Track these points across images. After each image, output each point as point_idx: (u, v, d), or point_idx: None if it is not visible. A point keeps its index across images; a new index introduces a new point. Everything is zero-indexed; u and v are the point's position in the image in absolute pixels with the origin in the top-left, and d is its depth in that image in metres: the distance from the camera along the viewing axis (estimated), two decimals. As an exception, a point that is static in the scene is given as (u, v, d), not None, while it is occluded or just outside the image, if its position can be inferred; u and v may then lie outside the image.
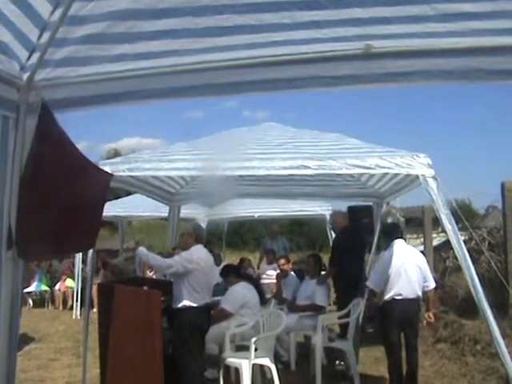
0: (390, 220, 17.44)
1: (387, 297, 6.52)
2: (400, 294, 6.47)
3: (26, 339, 10.68)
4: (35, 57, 3.09)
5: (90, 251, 7.01)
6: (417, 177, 5.68)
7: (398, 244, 6.77)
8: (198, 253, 6.42)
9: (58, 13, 2.77)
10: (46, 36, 2.94)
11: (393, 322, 6.53)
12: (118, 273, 13.91)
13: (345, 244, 8.54)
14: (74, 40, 3.03)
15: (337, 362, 8.34)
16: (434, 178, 5.46)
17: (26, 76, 3.23)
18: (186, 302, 6.23)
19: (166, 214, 10.52)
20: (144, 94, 3.51)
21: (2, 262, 3.23)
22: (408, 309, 6.52)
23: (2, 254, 3.21)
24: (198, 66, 3.28)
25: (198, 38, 3.02)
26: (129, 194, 14.95)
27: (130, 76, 3.39)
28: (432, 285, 6.69)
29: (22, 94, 3.26)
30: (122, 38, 3.04)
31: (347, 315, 7.73)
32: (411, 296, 6.50)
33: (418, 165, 5.60)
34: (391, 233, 7.12)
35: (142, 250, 6.47)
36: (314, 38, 3.02)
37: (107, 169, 5.44)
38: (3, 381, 3.28)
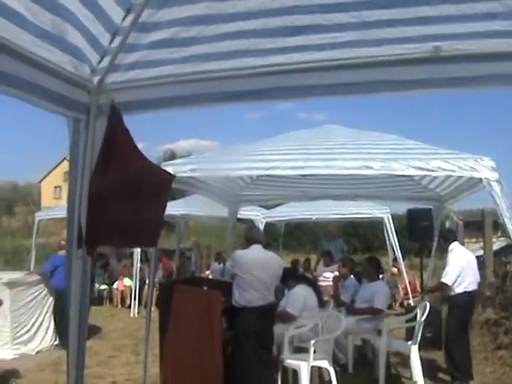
0: (448, 223, 17.13)
1: (459, 290, 7.38)
2: (470, 287, 7.46)
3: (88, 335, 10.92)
4: (106, 60, 3.16)
5: (153, 250, 7.14)
6: (480, 180, 5.55)
7: (457, 245, 7.81)
8: (247, 253, 6.38)
9: (130, 18, 2.83)
10: (117, 41, 3.00)
11: (464, 311, 7.55)
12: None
13: None
14: (143, 45, 3.09)
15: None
16: (498, 181, 5.32)
17: (96, 79, 3.30)
18: (235, 302, 6.23)
19: (223, 215, 10.59)
20: (209, 98, 3.51)
21: (72, 261, 3.32)
22: (474, 300, 7.90)
23: (73, 253, 3.30)
24: (265, 69, 3.27)
25: (268, 37, 3.01)
26: (184, 195, 15.07)
27: (197, 79, 3.40)
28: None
29: (92, 96, 3.33)
30: (191, 42, 3.07)
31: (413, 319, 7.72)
32: (476, 289, 7.70)
33: (482, 168, 5.47)
34: (448, 236, 8.17)
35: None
36: (382, 38, 2.96)
37: (169, 170, 5.51)
38: (73, 370, 3.39)
